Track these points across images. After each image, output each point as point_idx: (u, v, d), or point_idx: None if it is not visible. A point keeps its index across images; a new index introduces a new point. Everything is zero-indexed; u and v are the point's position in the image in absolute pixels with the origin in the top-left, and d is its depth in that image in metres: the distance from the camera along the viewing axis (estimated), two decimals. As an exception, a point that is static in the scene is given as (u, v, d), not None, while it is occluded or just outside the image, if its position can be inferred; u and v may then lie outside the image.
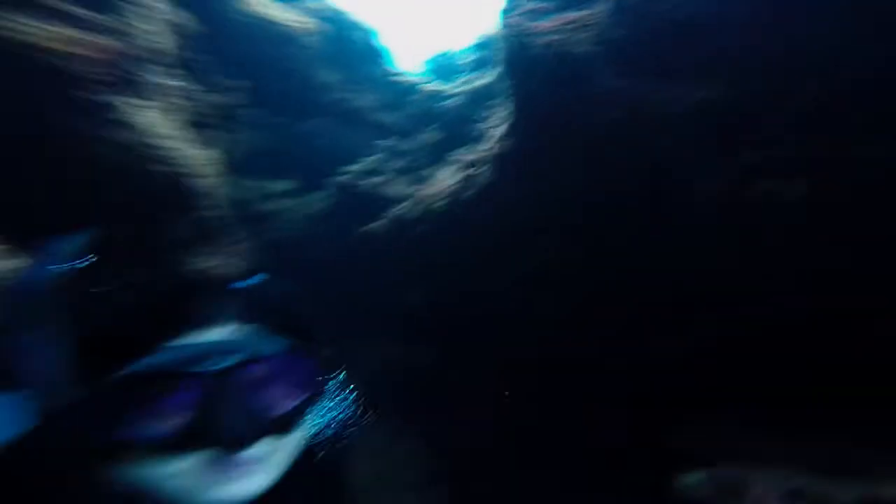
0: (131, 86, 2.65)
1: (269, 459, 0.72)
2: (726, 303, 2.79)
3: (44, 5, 2.25)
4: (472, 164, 3.44)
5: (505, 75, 3.22)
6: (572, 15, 2.73)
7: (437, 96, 4.62)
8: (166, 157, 2.70)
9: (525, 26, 2.85)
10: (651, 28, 2.48)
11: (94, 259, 0.88)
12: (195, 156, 2.96)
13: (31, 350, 0.79)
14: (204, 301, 0.73)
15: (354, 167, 4.60)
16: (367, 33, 4.63)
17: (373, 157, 4.67)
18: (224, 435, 0.66)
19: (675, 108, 2.29)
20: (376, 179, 4.61)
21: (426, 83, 4.84)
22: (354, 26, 4.53)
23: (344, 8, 4.53)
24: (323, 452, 0.98)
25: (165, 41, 2.92)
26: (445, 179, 3.72)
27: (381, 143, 4.71)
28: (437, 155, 4.48)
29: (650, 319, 3.08)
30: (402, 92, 4.79)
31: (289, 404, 0.74)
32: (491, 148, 3.32)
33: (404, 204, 4.13)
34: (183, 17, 3.25)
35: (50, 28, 2.25)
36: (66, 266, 0.87)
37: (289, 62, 4.11)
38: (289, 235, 4.67)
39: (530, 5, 2.94)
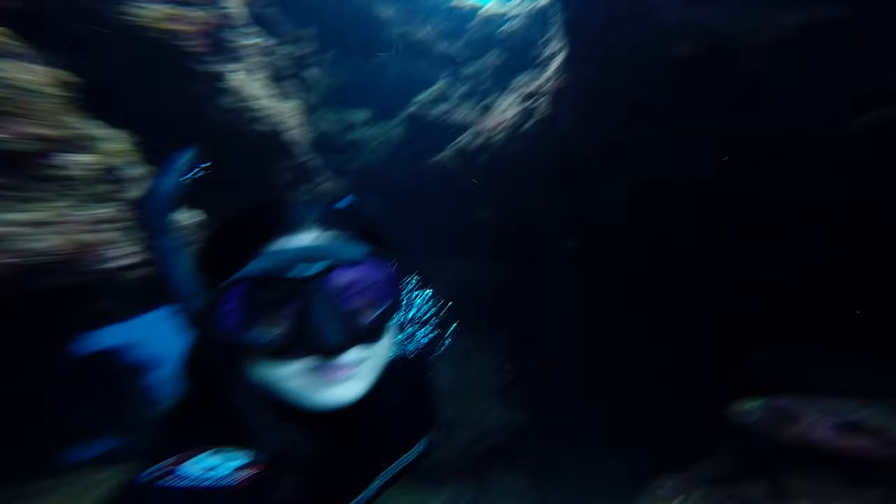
0: (222, 52, 2.89)
1: (363, 365, 0.77)
2: (824, 236, 2.62)
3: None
4: (530, 96, 3.39)
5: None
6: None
7: (496, 20, 4.43)
8: (261, 117, 2.99)
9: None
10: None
11: (201, 172, 1.02)
12: (283, 110, 3.23)
13: (169, 252, 0.90)
14: (296, 213, 0.78)
15: (421, 97, 4.70)
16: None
17: (437, 86, 4.72)
18: (320, 340, 0.70)
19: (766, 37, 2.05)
20: (443, 107, 4.72)
21: (484, 7, 4.62)
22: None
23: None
24: (411, 359, 1.16)
25: (240, 3, 3.07)
26: (505, 111, 3.72)
27: (445, 72, 4.72)
28: (499, 80, 4.45)
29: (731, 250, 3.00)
30: (461, 18, 4.64)
31: (376, 310, 0.79)
32: (548, 80, 3.22)
33: (466, 135, 4.22)
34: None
35: (154, 8, 2.49)
36: (183, 176, 1.01)
37: (351, 3, 4.11)
38: (370, 162, 5.00)
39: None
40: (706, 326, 3.47)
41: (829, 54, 1.99)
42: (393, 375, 1.00)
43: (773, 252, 2.86)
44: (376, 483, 1.09)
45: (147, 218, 0.96)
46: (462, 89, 4.79)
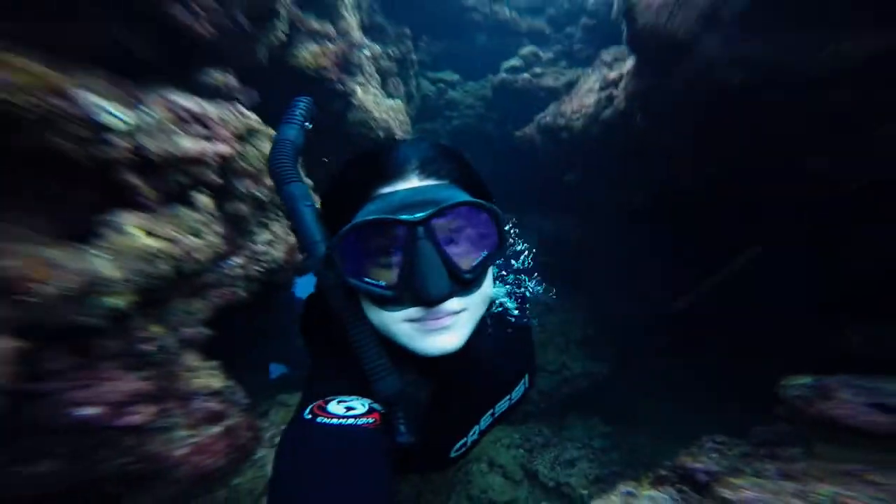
0: (349, 71, 3.48)
1: (462, 315, 0.80)
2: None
3: (303, 30, 3.08)
4: (610, 84, 3.58)
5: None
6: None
7: None
8: (380, 127, 3.59)
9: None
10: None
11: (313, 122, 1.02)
12: (390, 114, 3.78)
13: (296, 199, 0.90)
14: (401, 157, 0.79)
15: (508, 63, 5.01)
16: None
17: (524, 52, 4.98)
18: (423, 292, 0.73)
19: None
20: (528, 74, 5.00)
21: None
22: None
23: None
24: (511, 307, 1.17)
25: (358, 26, 3.60)
26: (586, 96, 3.93)
27: (530, 45, 4.96)
28: (590, 43, 4.59)
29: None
30: None
31: (479, 255, 0.80)
32: (621, 77, 3.36)
33: (549, 112, 4.50)
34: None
35: (309, 48, 3.11)
36: (303, 125, 1.01)
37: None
38: (465, 123, 5.36)
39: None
40: (805, 293, 3.39)
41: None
42: (495, 323, 1.05)
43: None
44: (484, 422, 1.16)
45: (275, 166, 0.97)
46: (548, 55, 5.01)
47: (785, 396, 1.99)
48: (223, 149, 1.78)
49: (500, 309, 1.15)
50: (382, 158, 0.81)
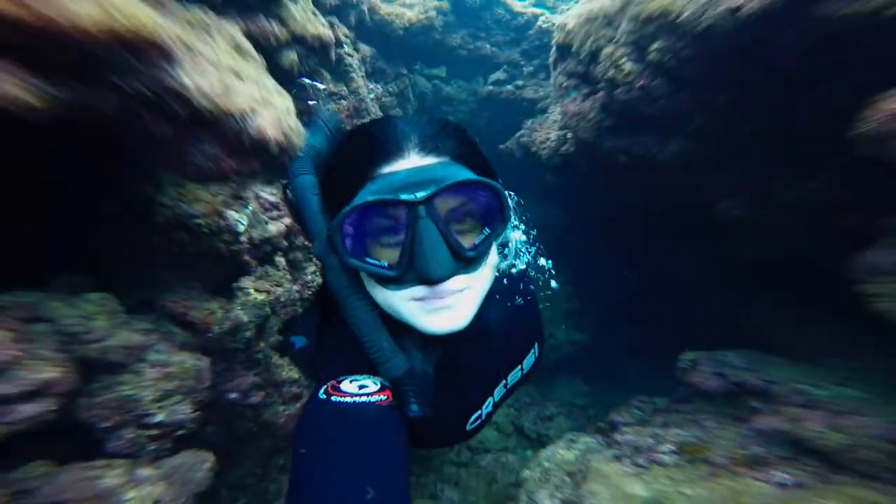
0: (359, 117, 4.30)
1: (466, 293, 0.81)
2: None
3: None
4: (565, 125, 4.42)
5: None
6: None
7: (549, 31, 5.28)
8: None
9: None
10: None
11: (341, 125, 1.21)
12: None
13: (304, 189, 1.03)
14: (401, 135, 0.80)
15: (494, 77, 5.79)
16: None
17: (504, 69, 5.77)
18: (425, 271, 0.73)
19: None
20: (510, 87, 5.79)
21: (539, 17, 5.43)
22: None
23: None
24: (516, 280, 1.18)
25: (362, 76, 4.38)
26: (550, 128, 4.78)
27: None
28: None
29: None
30: (521, 28, 5.49)
31: (482, 233, 0.82)
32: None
33: (525, 131, 5.31)
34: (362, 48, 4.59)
35: (329, 109, 3.93)
36: (329, 132, 1.22)
37: (426, 43, 5.21)
38: (459, 119, 5.93)
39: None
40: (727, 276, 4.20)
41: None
42: (503, 295, 1.05)
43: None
44: (498, 394, 1.17)
45: (292, 164, 1.03)
46: (529, 69, 5.80)
47: (677, 367, 2.89)
48: (288, 222, 2.68)
49: (507, 280, 1.13)
50: (381, 136, 0.80)
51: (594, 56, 3.08)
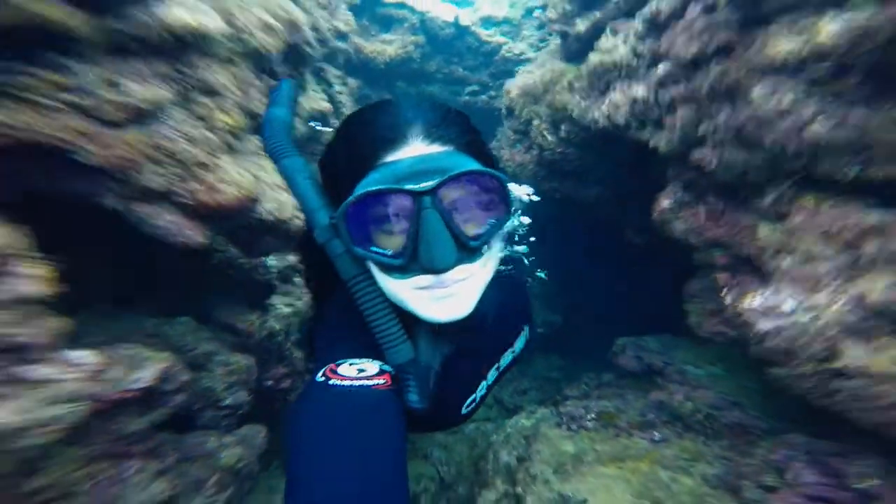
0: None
1: (469, 282, 0.82)
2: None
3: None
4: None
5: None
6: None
7: (512, 59, 6.01)
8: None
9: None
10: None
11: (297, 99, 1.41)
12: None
13: (294, 172, 1.04)
14: (404, 121, 0.81)
15: (469, 88, 6.49)
16: (450, 24, 5.93)
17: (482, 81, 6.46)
18: (429, 261, 0.75)
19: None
20: (485, 97, 6.50)
21: (503, 45, 6.12)
22: (440, 25, 5.84)
23: (425, 13, 5.66)
24: (509, 265, 1.26)
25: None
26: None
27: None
28: None
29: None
30: (488, 54, 6.20)
31: (485, 222, 0.82)
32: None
33: (495, 146, 6.05)
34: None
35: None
36: (292, 103, 1.21)
37: (406, 71, 5.89)
38: None
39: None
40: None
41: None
42: (494, 280, 1.04)
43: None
44: (491, 377, 1.22)
45: (269, 144, 1.05)
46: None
47: (611, 352, 3.70)
48: (304, 248, 3.47)
49: (502, 266, 1.14)
50: (384, 122, 0.81)
51: (528, 122, 4.07)
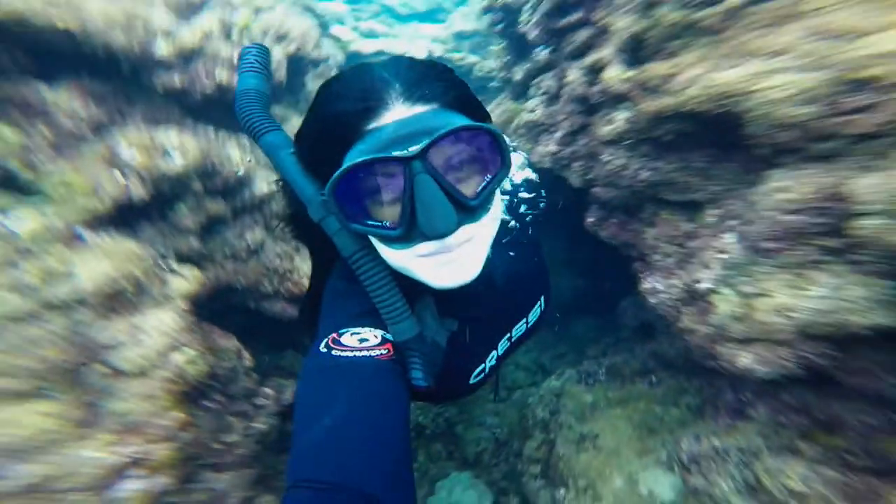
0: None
1: (473, 243, 0.80)
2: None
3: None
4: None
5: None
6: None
7: (485, 77, 6.50)
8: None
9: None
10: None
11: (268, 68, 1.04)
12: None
13: (277, 147, 0.94)
14: (383, 83, 0.76)
15: None
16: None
17: None
18: (428, 227, 0.71)
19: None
20: None
21: (476, 64, 6.59)
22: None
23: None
24: (521, 232, 1.26)
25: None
26: None
27: None
28: None
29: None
30: (464, 74, 6.72)
31: (482, 179, 0.80)
32: None
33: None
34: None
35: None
36: (265, 72, 1.05)
37: None
38: None
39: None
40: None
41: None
42: (508, 248, 1.12)
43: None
44: (501, 347, 1.20)
45: (245, 119, 0.96)
46: None
47: (617, 312, 4.38)
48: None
49: (513, 232, 1.16)
50: (360, 88, 0.77)
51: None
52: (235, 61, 0.99)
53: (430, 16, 7.03)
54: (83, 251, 1.89)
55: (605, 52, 2.26)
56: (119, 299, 1.86)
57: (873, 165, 1.28)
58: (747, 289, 1.68)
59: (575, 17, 2.55)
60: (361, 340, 0.84)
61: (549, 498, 3.55)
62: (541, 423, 4.17)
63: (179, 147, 2.22)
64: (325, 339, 0.85)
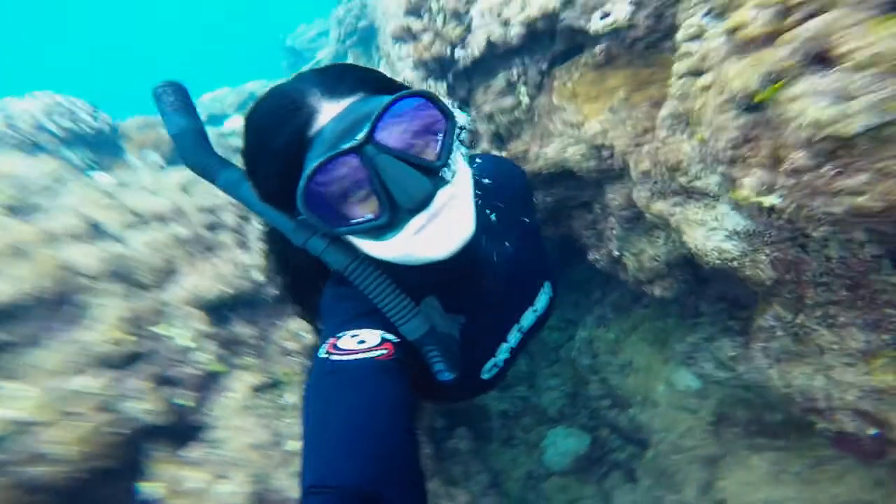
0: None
1: (457, 202, 0.80)
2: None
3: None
4: None
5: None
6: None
7: None
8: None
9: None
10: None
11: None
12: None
13: (235, 183, 0.94)
14: (310, 92, 0.77)
15: None
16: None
17: None
18: (407, 200, 0.71)
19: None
20: None
21: None
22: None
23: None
24: (518, 214, 1.23)
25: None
26: None
27: None
28: None
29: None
30: None
31: (438, 139, 0.79)
32: None
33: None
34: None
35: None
36: (189, 108, 0.99)
37: None
38: None
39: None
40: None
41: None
42: (504, 235, 1.09)
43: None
44: (513, 339, 1.19)
45: (192, 163, 0.94)
46: None
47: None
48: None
49: (506, 215, 1.16)
50: (285, 106, 0.78)
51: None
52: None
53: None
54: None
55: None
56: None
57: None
58: (633, 249, 2.78)
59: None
60: (360, 342, 0.85)
61: (626, 419, 4.62)
62: (589, 369, 5.27)
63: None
64: (325, 345, 0.86)
